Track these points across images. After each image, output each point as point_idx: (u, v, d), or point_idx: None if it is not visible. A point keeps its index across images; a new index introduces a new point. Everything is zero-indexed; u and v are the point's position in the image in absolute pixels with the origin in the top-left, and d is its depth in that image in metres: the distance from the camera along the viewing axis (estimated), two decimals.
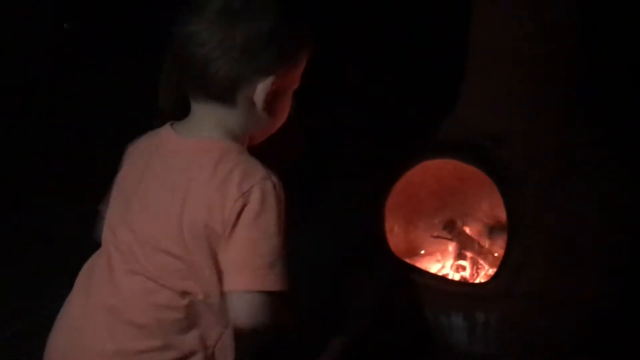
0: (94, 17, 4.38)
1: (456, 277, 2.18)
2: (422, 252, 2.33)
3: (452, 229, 2.30)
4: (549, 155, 2.02)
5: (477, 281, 2.13)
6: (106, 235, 1.34)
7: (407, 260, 2.21)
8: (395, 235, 2.30)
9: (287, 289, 1.23)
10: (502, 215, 2.06)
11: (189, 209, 1.21)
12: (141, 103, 1.54)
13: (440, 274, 2.20)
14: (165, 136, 1.30)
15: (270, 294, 1.21)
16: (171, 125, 1.32)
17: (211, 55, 1.20)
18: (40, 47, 4.10)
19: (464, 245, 2.29)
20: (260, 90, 1.22)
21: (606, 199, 2.01)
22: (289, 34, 1.25)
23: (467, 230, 2.38)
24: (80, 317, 1.29)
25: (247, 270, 1.21)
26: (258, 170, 1.22)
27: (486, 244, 2.31)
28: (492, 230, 2.26)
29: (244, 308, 1.22)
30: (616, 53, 2.89)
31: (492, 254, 2.25)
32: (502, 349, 1.98)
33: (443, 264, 2.28)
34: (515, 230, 1.91)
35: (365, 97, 4.02)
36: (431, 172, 2.29)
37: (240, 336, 1.23)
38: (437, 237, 2.30)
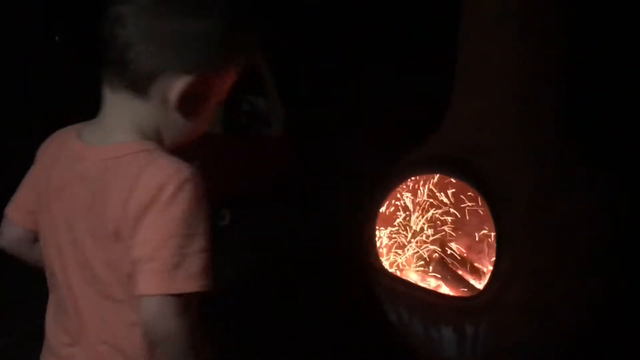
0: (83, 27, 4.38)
1: (445, 290, 2.21)
2: (413, 266, 2.36)
3: (442, 249, 2.35)
4: (536, 169, 2.05)
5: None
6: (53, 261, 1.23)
7: (398, 274, 2.23)
8: (386, 249, 2.34)
9: (205, 290, 1.11)
10: (492, 228, 2.10)
11: (109, 216, 1.13)
12: None
13: (429, 287, 2.22)
14: (71, 145, 1.22)
15: (177, 296, 1.10)
16: (79, 130, 1.23)
17: (132, 40, 1.13)
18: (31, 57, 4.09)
19: (456, 267, 2.34)
20: (176, 87, 1.15)
21: (592, 211, 2.04)
22: (221, 40, 1.17)
23: (455, 246, 2.43)
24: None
25: (150, 272, 1.10)
26: (168, 167, 1.13)
27: (476, 259, 2.35)
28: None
29: (149, 313, 1.11)
30: (603, 68, 2.93)
31: (482, 270, 2.29)
32: (490, 358, 2.01)
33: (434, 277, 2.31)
34: (503, 243, 1.94)
35: (355, 113, 4.06)
36: (420, 186, 2.32)
37: (154, 345, 1.13)
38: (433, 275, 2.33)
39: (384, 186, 2.27)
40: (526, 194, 2.01)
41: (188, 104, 1.17)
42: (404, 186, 2.30)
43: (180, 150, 1.23)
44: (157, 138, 1.19)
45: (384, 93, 4.13)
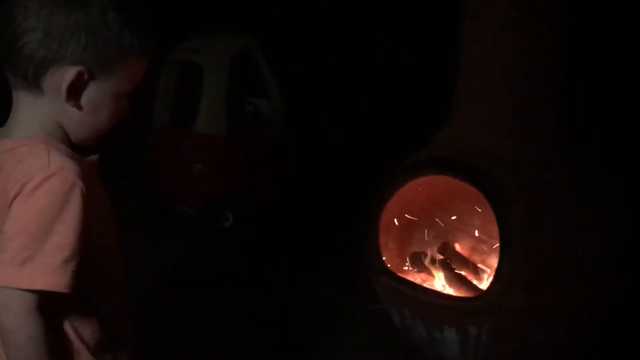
0: None
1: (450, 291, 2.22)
2: (414, 269, 2.37)
3: (445, 251, 2.36)
4: (538, 173, 2.07)
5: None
6: None
7: (401, 275, 2.25)
8: (389, 251, 2.35)
9: (56, 290, 1.08)
10: (494, 230, 2.11)
11: None
12: None
13: (433, 288, 2.24)
14: None
15: (24, 291, 1.07)
16: None
17: (18, 33, 1.12)
18: None
19: (459, 266, 2.34)
20: (64, 79, 1.13)
21: (594, 213, 2.06)
22: (107, 33, 1.14)
23: (459, 247, 2.45)
24: None
25: (2, 263, 1.08)
26: (40, 160, 1.11)
27: (479, 261, 2.37)
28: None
29: None
30: (604, 72, 2.95)
31: (485, 272, 2.31)
32: None
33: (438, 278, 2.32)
34: (505, 245, 1.95)
35: (356, 113, 4.09)
36: (423, 188, 2.34)
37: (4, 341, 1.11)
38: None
39: (387, 187, 2.29)
40: (528, 196, 2.03)
41: (81, 96, 1.16)
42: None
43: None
44: (60, 134, 1.18)
45: (385, 95, 4.16)
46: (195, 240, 3.23)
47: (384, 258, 2.25)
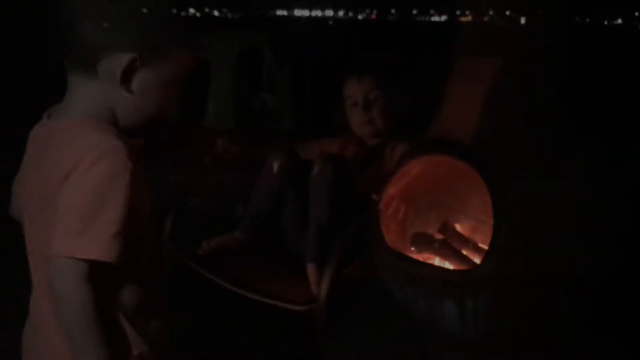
0: None
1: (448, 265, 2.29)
2: (416, 249, 2.43)
3: (445, 231, 2.42)
4: (532, 152, 2.13)
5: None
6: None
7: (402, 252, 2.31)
8: (391, 232, 2.41)
9: (109, 260, 1.18)
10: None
11: (45, 184, 1.22)
12: None
13: (432, 263, 2.30)
14: (40, 123, 1.32)
15: (78, 261, 1.16)
16: (50, 111, 1.32)
17: (76, 19, 1.21)
18: None
19: (459, 245, 2.40)
20: (117, 64, 1.22)
21: (588, 192, 2.12)
22: (161, 23, 1.26)
23: (459, 228, 2.50)
24: None
25: (57, 235, 1.17)
26: (92, 139, 1.21)
27: (479, 240, 2.42)
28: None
29: (51, 272, 1.18)
30: (597, 53, 3.00)
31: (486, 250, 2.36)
32: (492, 332, 2.08)
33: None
34: (499, 218, 2.02)
35: None
36: (423, 169, 2.40)
37: (58, 308, 1.20)
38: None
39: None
40: (522, 176, 2.09)
41: (134, 81, 1.27)
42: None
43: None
44: (111, 117, 1.29)
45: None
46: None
47: (385, 238, 2.31)
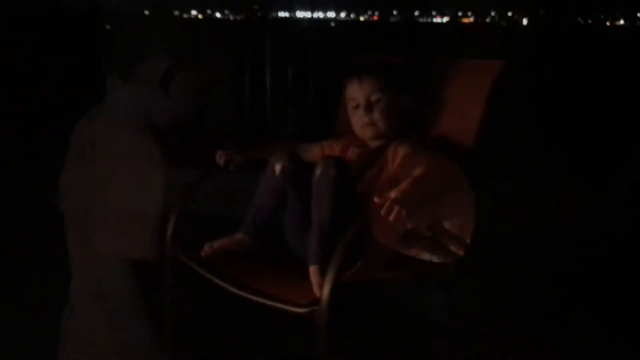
0: None
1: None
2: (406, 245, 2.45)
3: (435, 227, 2.45)
4: (525, 153, 2.22)
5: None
6: None
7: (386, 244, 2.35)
8: (383, 230, 2.43)
9: (151, 259, 1.23)
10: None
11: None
12: None
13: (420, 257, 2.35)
14: (80, 124, 1.37)
15: (123, 258, 1.21)
16: (88, 113, 1.37)
17: (117, 27, 1.27)
18: None
19: (448, 242, 2.43)
20: (158, 68, 1.27)
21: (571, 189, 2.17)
22: (193, 35, 1.32)
23: (448, 225, 2.53)
24: None
25: (101, 233, 1.23)
26: (137, 141, 1.26)
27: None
28: None
29: (98, 270, 1.21)
30: (600, 53, 3.00)
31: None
32: (478, 321, 2.18)
33: None
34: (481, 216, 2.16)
35: None
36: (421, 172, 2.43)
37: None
38: None
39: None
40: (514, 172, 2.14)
41: (170, 84, 1.33)
42: None
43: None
44: (147, 119, 1.34)
45: None
46: None
47: (374, 232, 2.33)
